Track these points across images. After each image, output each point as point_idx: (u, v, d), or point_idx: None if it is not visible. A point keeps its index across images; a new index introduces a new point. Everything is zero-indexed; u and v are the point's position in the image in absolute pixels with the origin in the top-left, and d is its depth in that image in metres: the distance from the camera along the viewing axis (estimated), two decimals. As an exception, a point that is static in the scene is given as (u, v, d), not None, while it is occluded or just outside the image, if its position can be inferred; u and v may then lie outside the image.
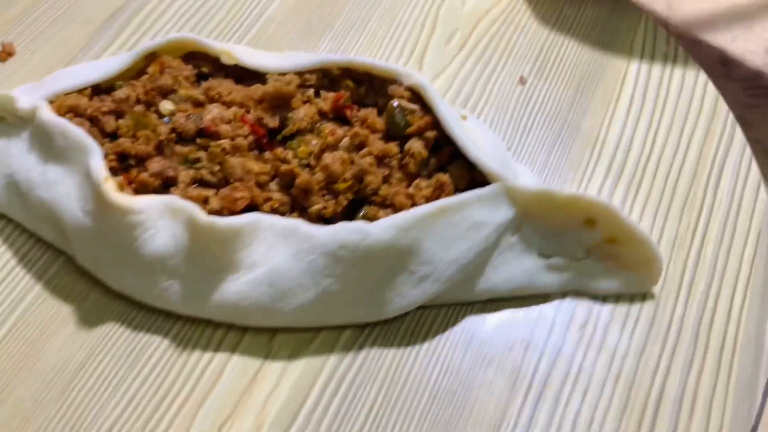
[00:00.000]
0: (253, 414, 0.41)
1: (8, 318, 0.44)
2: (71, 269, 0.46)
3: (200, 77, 0.51)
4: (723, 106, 0.55)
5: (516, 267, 0.44)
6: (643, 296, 0.46)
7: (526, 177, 0.47)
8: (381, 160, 0.46)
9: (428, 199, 0.44)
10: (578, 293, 0.46)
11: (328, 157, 0.45)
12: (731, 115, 0.54)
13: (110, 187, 0.42)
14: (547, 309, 0.45)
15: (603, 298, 0.46)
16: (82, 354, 0.43)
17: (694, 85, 0.57)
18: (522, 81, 0.57)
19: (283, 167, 0.45)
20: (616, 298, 0.46)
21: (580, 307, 0.45)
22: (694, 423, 0.41)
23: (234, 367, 0.43)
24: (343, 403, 0.41)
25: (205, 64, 0.52)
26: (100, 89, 0.50)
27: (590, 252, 0.45)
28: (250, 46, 0.55)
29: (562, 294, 0.45)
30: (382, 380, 0.42)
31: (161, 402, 0.41)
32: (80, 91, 0.49)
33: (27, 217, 0.47)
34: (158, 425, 0.41)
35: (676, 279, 0.46)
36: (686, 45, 0.55)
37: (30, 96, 0.48)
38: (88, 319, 0.44)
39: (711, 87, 0.56)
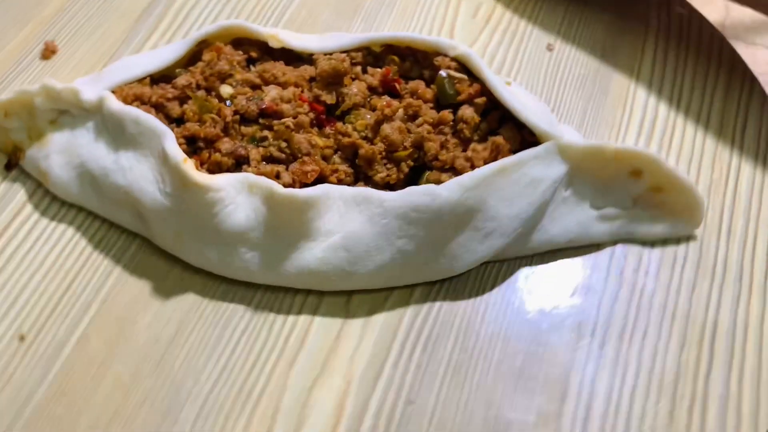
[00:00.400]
0: (342, 370, 0.44)
1: (94, 299, 0.47)
2: (149, 250, 0.49)
3: (249, 62, 0.54)
4: (740, 61, 0.58)
5: (571, 219, 0.47)
6: (687, 239, 0.49)
7: (571, 135, 0.50)
8: (435, 127, 0.48)
9: (486, 161, 0.47)
10: (627, 240, 0.49)
11: (386, 128, 0.47)
12: (750, 69, 0.58)
13: (189, 167, 0.44)
14: (600, 257, 0.48)
15: (651, 243, 0.49)
16: (171, 328, 0.45)
17: (711, 41, 0.60)
18: (550, 48, 0.60)
19: (346, 140, 0.47)
20: (663, 242, 0.49)
21: (631, 253, 0.48)
22: (749, 349, 0.44)
23: (317, 329, 0.45)
24: (423, 354, 0.44)
25: (252, 48, 0.54)
26: (157, 78, 0.52)
27: (637, 201, 0.48)
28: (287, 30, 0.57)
29: (613, 242, 0.49)
30: (456, 331, 0.45)
31: (254, 365, 0.44)
32: (140, 80, 0.51)
33: (102, 205, 0.49)
34: (255, 386, 0.43)
35: (716, 221, 0.50)
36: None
37: (91, 88, 0.50)
38: (172, 295, 0.47)
39: (727, 43, 0.60)
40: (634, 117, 0.56)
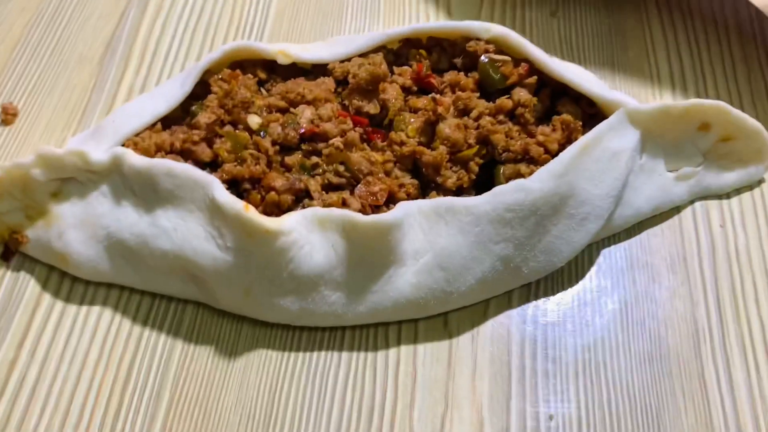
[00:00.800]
0: (467, 399, 0.40)
1: (163, 385, 0.41)
2: (207, 316, 0.43)
3: (258, 84, 0.48)
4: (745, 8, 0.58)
5: (651, 186, 0.45)
6: (759, 183, 0.47)
7: (624, 99, 0.48)
8: (494, 117, 0.45)
9: (560, 143, 0.43)
10: (703, 197, 0.47)
11: (444, 128, 0.43)
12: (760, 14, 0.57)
13: (254, 213, 0.39)
14: (684, 219, 0.46)
15: (726, 195, 0.47)
16: (263, 399, 0.40)
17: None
18: (554, 14, 0.57)
19: (404, 149, 0.43)
20: (737, 191, 0.47)
21: (712, 209, 0.47)
22: None
23: (424, 361, 0.41)
24: (546, 361, 0.41)
25: (258, 69, 0.48)
26: (168, 120, 0.45)
27: (707, 155, 0.47)
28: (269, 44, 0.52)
29: (690, 202, 0.47)
30: (572, 325, 0.42)
31: (371, 414, 0.39)
32: (150, 127, 0.45)
33: (141, 277, 0.43)
34: (381, 439, 0.39)
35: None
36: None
37: (94, 147, 0.43)
38: (251, 360, 0.41)
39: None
40: (662, 67, 0.54)
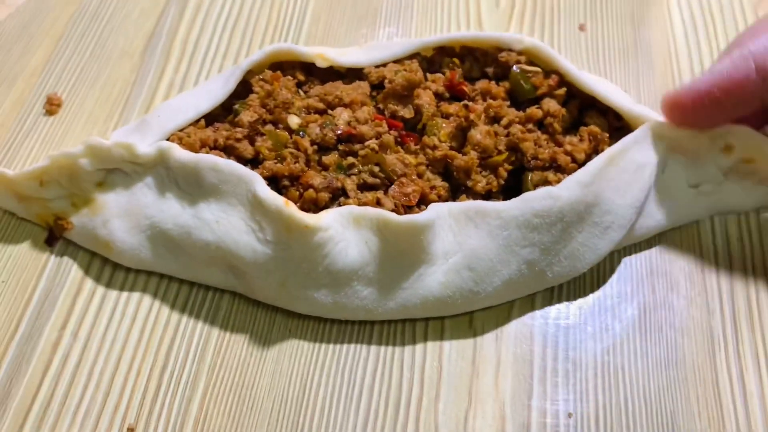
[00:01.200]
0: (490, 395, 0.42)
1: (200, 370, 0.42)
2: (243, 306, 0.45)
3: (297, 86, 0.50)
4: (762, 13, 0.59)
5: (673, 199, 0.47)
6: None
7: (651, 114, 0.49)
8: (524, 125, 0.46)
9: (587, 153, 0.45)
10: (723, 213, 0.48)
11: (476, 134, 0.45)
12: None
13: (294, 209, 0.40)
14: (703, 232, 0.48)
15: (746, 214, 0.48)
16: (295, 385, 0.42)
17: None
18: (582, 28, 0.59)
19: (437, 153, 0.45)
20: (756, 212, 0.49)
21: (730, 223, 0.48)
22: None
23: (450, 356, 0.43)
24: (566, 362, 0.43)
25: (297, 71, 0.50)
26: (210, 117, 0.47)
27: (728, 174, 0.48)
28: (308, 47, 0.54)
29: (710, 218, 0.48)
30: (593, 329, 0.44)
31: (398, 407, 0.41)
32: (194, 123, 0.46)
33: (182, 266, 0.45)
34: (405, 428, 0.40)
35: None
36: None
37: (137, 140, 0.45)
38: (284, 348, 0.43)
39: (745, -1, 0.61)
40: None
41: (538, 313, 0.45)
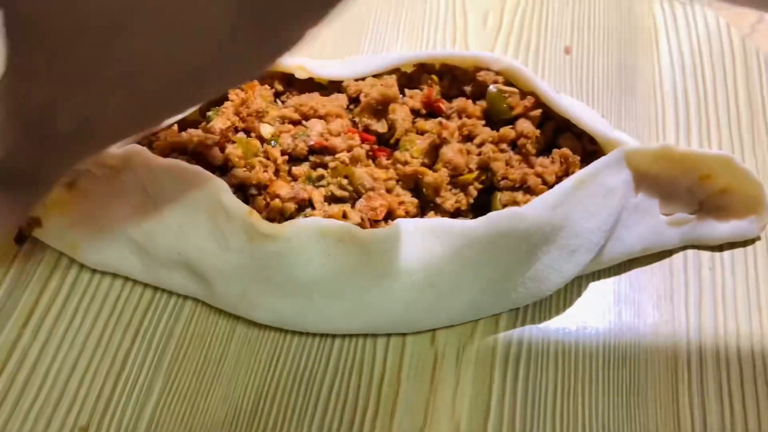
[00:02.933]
0: (446, 416, 0.41)
1: (156, 376, 0.42)
2: (205, 313, 0.45)
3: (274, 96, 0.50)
4: (750, 45, 0.59)
5: (643, 226, 0.46)
6: (752, 242, 0.48)
7: (626, 140, 0.49)
8: (496, 145, 0.46)
9: (558, 175, 0.45)
10: (695, 245, 0.48)
11: (447, 152, 0.45)
12: (761, 52, 0.58)
13: (256, 218, 0.40)
14: (674, 259, 0.47)
15: (719, 247, 0.48)
16: (250, 396, 0.42)
17: (718, 29, 0.61)
18: (568, 51, 0.59)
19: (407, 169, 0.45)
20: (730, 244, 0.48)
21: (703, 255, 0.48)
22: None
23: (409, 374, 0.43)
24: (527, 385, 0.42)
25: (276, 81, 0.50)
26: (183, 122, 0.47)
27: (703, 204, 0.48)
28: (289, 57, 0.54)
29: (683, 247, 0.48)
30: (554, 356, 0.43)
31: (352, 422, 0.41)
32: (167, 128, 0.46)
33: (146, 270, 0.45)
34: (359, 446, 0.40)
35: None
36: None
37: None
38: (242, 358, 0.43)
39: (734, 30, 0.60)
40: (668, 112, 0.55)
41: (501, 334, 0.44)
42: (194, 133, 0.46)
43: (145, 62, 0.25)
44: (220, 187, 0.41)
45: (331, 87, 0.51)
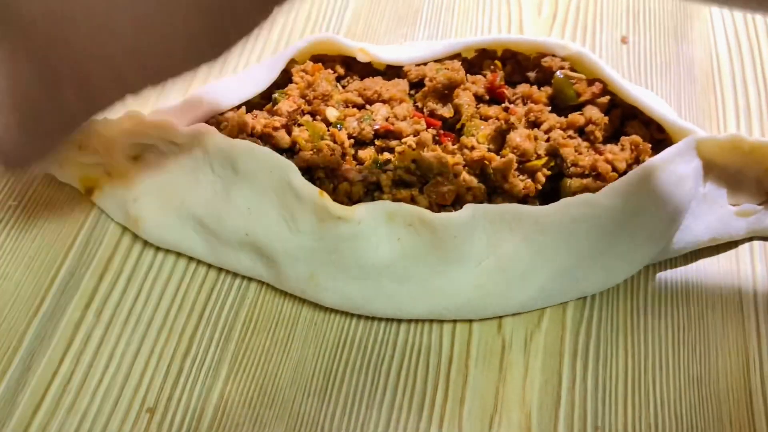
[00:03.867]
0: (517, 403, 0.41)
1: (222, 358, 0.42)
2: (270, 295, 0.44)
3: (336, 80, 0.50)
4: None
5: (712, 216, 0.46)
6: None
7: (694, 128, 0.48)
8: (565, 132, 0.46)
9: (628, 163, 0.44)
10: (761, 236, 0.47)
11: (515, 137, 0.45)
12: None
13: (328, 200, 0.40)
14: (741, 251, 0.47)
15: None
16: (318, 379, 0.41)
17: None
18: (624, 40, 0.58)
19: (475, 154, 0.44)
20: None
21: (768, 244, 0.47)
22: None
23: (477, 361, 0.42)
24: (596, 374, 0.42)
25: (337, 65, 0.50)
26: (249, 104, 0.47)
27: (769, 193, 0.47)
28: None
29: (749, 238, 0.47)
30: (624, 344, 0.43)
31: (421, 409, 0.40)
32: (234, 108, 0.46)
33: (211, 250, 0.44)
34: (428, 430, 0.39)
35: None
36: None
37: (177, 119, 0.45)
38: (309, 341, 0.43)
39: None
40: (728, 100, 0.55)
41: (569, 322, 0.44)
42: (261, 115, 0.45)
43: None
44: (290, 168, 0.41)
45: (390, 73, 0.51)
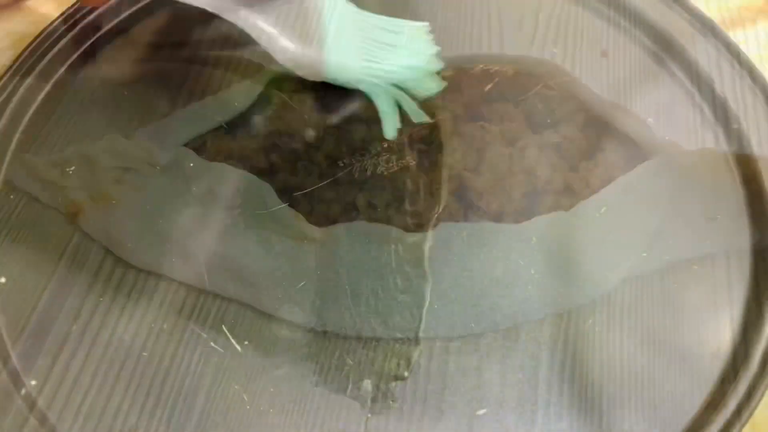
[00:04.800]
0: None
1: (200, 384, 0.42)
2: (252, 315, 0.45)
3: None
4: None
5: (687, 231, 0.46)
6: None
7: (669, 143, 0.49)
8: (539, 150, 0.46)
9: (602, 179, 0.45)
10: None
11: (490, 156, 0.45)
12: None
13: (302, 222, 0.41)
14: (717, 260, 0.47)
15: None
16: (294, 399, 0.42)
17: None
18: (604, 54, 0.59)
19: (452, 172, 0.45)
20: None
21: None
22: None
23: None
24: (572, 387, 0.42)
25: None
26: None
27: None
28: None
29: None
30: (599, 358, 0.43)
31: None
32: (214, 130, 0.47)
33: (190, 271, 0.45)
34: None
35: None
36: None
37: (157, 142, 0.46)
38: (285, 362, 0.43)
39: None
40: (706, 116, 0.55)
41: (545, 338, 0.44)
42: (240, 137, 0.46)
43: None
44: (268, 191, 0.42)
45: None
